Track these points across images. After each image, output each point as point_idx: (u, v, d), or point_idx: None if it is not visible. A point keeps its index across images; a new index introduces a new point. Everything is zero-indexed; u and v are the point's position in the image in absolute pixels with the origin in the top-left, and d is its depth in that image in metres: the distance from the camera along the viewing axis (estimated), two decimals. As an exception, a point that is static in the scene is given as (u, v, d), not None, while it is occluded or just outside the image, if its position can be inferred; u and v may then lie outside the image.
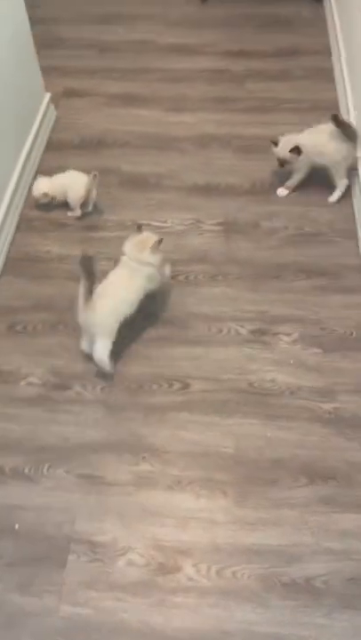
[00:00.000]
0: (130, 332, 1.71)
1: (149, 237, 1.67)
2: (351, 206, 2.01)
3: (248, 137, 2.26)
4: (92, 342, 1.60)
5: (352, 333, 1.71)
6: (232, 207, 2.05)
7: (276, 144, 2.01)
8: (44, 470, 1.49)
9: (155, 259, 1.65)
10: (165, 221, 2.01)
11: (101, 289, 1.59)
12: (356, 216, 1.96)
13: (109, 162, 2.21)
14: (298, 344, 1.69)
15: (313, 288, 1.82)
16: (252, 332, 1.72)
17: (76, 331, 1.70)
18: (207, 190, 2.10)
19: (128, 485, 1.46)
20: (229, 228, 1.97)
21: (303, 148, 1.97)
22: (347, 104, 2.24)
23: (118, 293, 1.61)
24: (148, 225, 2.00)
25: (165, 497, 1.44)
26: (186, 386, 1.62)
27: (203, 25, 2.80)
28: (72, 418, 1.57)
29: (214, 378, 1.63)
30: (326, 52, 2.60)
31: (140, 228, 1.70)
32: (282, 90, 2.45)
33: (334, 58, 2.54)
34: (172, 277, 1.85)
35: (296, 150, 1.97)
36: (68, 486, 1.46)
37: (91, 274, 1.57)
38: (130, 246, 1.67)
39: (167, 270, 1.77)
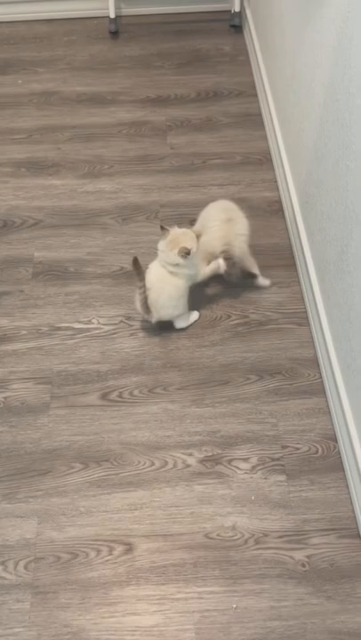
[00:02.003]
0: (53, 479, 1.43)
1: (183, 238, 1.57)
2: (299, 283, 1.80)
3: (177, 204, 1.99)
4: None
5: (317, 450, 1.47)
6: (166, 295, 1.79)
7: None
8: None
9: (185, 261, 1.57)
10: (90, 321, 1.72)
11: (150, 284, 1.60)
12: (305, 296, 1.74)
13: (19, 249, 1.89)
14: (258, 471, 1.44)
15: (267, 392, 1.58)
16: (203, 461, 1.46)
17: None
18: (136, 276, 1.82)
19: None
20: (165, 324, 1.69)
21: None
22: (279, 153, 2.02)
23: (166, 288, 1.60)
24: (70, 328, 1.72)
25: None
26: (129, 548, 1.34)
27: (115, 67, 2.51)
28: (-8, 614, 1.27)
29: (163, 532, 1.35)
30: (252, 92, 2.37)
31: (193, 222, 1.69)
32: (208, 142, 2.19)
33: (261, 99, 2.31)
34: (103, 397, 1.57)
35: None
36: None
37: (141, 273, 1.59)
38: (163, 243, 1.59)
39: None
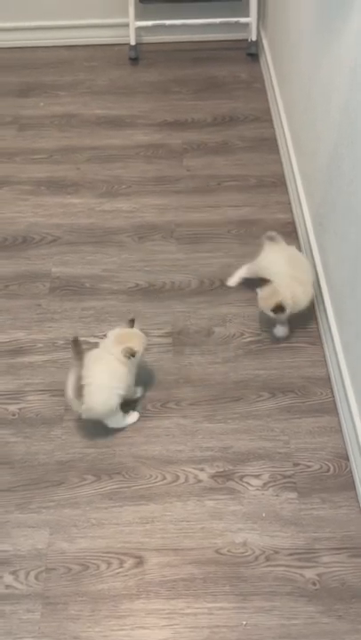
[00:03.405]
0: (66, 490, 1.44)
1: (130, 338, 1.51)
2: (311, 303, 1.82)
3: (192, 224, 2.03)
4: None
5: (328, 469, 1.47)
6: (180, 312, 1.80)
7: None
8: None
9: (125, 360, 1.49)
10: (105, 335, 1.73)
11: (90, 374, 1.47)
12: (318, 315, 1.76)
13: (37, 264, 1.93)
14: (269, 488, 1.44)
15: (279, 410, 1.59)
16: (215, 476, 1.46)
17: (2, 496, 1.43)
18: (151, 292, 1.85)
19: None
20: (179, 339, 1.73)
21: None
22: (293, 176, 2.06)
23: (108, 378, 1.49)
24: (85, 342, 1.74)
25: None
26: (140, 562, 1.34)
27: (134, 92, 2.58)
28: (2, 623, 1.26)
29: (174, 547, 1.36)
30: (267, 117, 2.43)
31: (132, 322, 1.57)
32: (223, 165, 2.24)
33: (276, 124, 2.37)
34: (117, 410, 1.61)
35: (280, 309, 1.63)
36: None
37: (81, 358, 1.48)
38: (113, 336, 1.53)
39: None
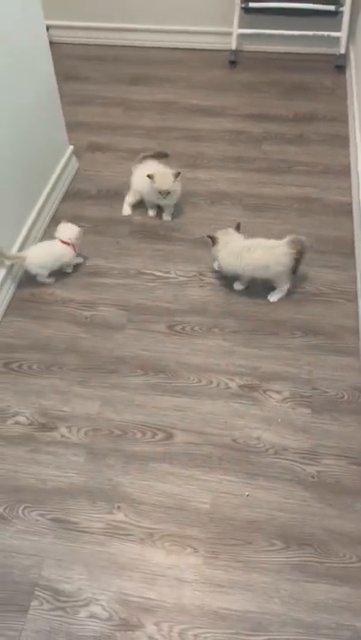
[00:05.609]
0: (118, 378, 1.74)
1: (159, 176, 2.17)
2: (354, 268, 2.03)
3: (259, 196, 2.32)
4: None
5: (343, 396, 1.68)
6: (236, 262, 2.09)
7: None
8: (19, 511, 1.49)
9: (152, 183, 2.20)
10: (169, 272, 2.06)
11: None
12: (358, 279, 1.97)
13: (122, 213, 2.30)
14: (288, 402, 1.67)
15: (308, 347, 1.81)
16: (242, 386, 1.72)
17: (69, 373, 1.75)
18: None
19: (100, 534, 1.44)
20: (230, 283, 2.00)
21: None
22: (357, 167, 2.29)
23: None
24: (151, 274, 2.06)
25: (136, 550, 1.41)
26: (169, 436, 1.61)
27: (227, 89, 2.94)
28: (54, 460, 1.57)
29: (199, 431, 1.62)
30: (344, 119, 2.68)
31: (178, 175, 2.18)
32: (296, 153, 2.52)
33: (350, 124, 2.62)
34: (169, 327, 1.89)
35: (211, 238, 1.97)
36: (41, 530, 1.45)
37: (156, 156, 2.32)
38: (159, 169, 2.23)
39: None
